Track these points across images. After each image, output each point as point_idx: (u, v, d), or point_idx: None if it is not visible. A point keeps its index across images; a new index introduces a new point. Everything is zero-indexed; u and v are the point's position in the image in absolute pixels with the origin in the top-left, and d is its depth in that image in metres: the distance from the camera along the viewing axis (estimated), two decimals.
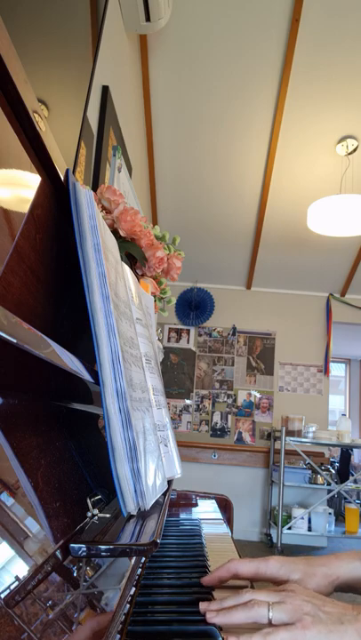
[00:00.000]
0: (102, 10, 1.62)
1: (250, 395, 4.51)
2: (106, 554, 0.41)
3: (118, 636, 0.44)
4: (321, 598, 0.50)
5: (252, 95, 2.88)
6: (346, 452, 5.70)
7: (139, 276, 1.03)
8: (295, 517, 3.77)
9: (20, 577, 0.31)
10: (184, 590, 0.61)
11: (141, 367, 0.63)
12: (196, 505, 1.25)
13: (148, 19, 2.09)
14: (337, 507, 5.17)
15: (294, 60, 2.64)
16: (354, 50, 2.59)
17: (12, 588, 0.30)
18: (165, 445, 0.70)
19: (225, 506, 1.23)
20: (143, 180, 3.30)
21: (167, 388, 4.50)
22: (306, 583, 0.57)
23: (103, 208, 0.87)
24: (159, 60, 2.69)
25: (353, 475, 5.00)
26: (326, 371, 4.53)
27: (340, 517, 4.83)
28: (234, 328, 4.63)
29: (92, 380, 0.47)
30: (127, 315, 0.62)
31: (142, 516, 0.49)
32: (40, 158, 0.49)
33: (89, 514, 0.47)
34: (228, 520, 1.18)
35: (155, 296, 1.08)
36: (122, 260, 0.72)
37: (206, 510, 1.19)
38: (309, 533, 3.84)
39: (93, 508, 0.48)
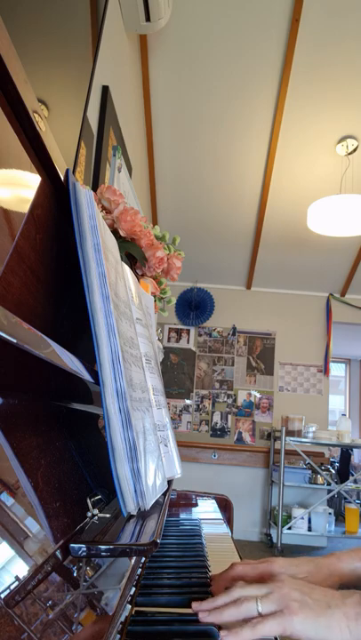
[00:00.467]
0: (102, 10, 1.62)
1: (250, 395, 4.51)
2: (106, 554, 0.41)
3: (118, 635, 0.44)
4: (309, 586, 0.50)
5: (252, 95, 2.88)
6: (346, 452, 5.70)
7: (139, 276, 1.03)
8: (295, 517, 3.77)
9: (20, 577, 0.31)
10: (184, 590, 0.61)
11: (141, 367, 0.63)
12: (196, 505, 1.25)
13: (148, 19, 2.09)
14: (337, 507, 5.17)
15: (294, 60, 2.63)
16: (354, 50, 2.59)
17: (12, 587, 0.30)
18: (165, 445, 0.70)
19: (225, 506, 1.23)
20: (143, 180, 3.30)
21: (167, 388, 4.50)
22: None
23: (103, 208, 0.87)
24: (159, 59, 2.69)
25: (353, 475, 5.00)
26: (326, 371, 4.53)
27: (340, 517, 4.83)
28: (234, 328, 4.63)
29: (92, 380, 0.47)
30: (127, 315, 0.62)
31: (142, 515, 0.49)
32: (40, 158, 0.49)
33: (89, 514, 0.47)
34: (228, 520, 1.18)
35: (155, 296, 1.08)
36: (122, 259, 0.72)
37: (206, 510, 1.19)
38: (309, 533, 3.84)
39: (93, 507, 0.48)
